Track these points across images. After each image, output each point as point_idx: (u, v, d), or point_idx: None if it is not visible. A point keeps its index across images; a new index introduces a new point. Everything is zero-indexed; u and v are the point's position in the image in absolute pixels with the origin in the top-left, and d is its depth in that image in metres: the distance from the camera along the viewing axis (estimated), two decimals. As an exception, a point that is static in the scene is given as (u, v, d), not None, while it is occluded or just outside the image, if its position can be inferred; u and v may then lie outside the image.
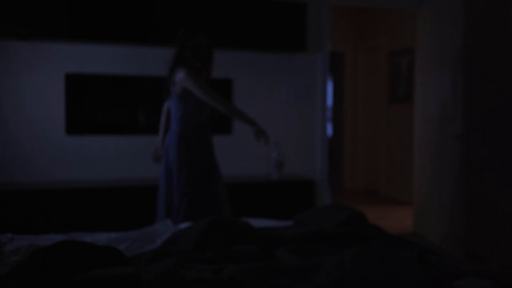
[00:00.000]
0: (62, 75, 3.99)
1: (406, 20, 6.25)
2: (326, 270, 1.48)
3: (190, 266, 1.57)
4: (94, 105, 4.14)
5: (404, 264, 1.39)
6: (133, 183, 3.94)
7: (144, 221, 3.34)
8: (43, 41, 3.86)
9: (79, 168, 4.06)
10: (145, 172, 4.09)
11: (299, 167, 4.57)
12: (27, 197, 3.63)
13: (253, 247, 1.79)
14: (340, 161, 7.56)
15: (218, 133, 4.14)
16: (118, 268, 1.42)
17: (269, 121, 4.12)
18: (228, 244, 1.88)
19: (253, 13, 4.15)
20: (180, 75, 2.95)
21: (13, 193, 3.61)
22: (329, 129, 7.29)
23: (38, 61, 3.94)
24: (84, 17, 3.74)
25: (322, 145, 4.63)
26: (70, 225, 3.62)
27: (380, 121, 7.08)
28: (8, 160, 3.91)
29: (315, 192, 4.41)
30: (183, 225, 2.46)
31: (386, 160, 6.90)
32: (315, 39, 4.55)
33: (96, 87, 4.11)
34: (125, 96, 4.22)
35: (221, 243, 1.87)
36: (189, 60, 3.02)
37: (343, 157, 7.51)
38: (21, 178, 3.93)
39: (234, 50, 4.31)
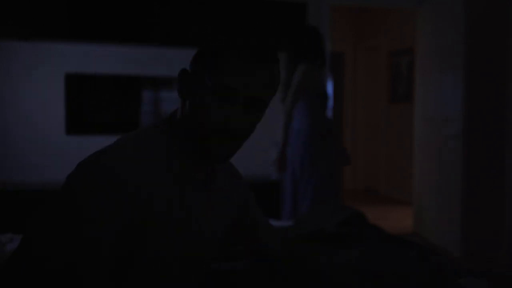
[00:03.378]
0: (62, 75, 3.99)
1: (406, 20, 6.25)
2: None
3: None
4: (94, 105, 4.14)
5: (408, 261, 1.40)
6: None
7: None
8: (43, 41, 3.87)
9: (79, 168, 4.06)
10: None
11: (299, 167, 4.56)
12: (27, 197, 3.63)
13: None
14: (340, 161, 7.54)
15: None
16: None
17: (269, 120, 4.11)
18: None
19: (253, 13, 4.15)
20: None
21: (13, 193, 3.61)
22: (329, 129, 7.28)
23: (38, 61, 3.94)
24: (84, 17, 3.74)
25: (322, 145, 4.62)
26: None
27: (380, 121, 7.08)
28: (8, 160, 3.91)
29: (315, 192, 4.40)
30: None
31: (386, 160, 6.90)
32: (315, 39, 4.54)
33: (96, 87, 4.12)
34: (125, 96, 4.23)
35: None
36: None
37: (343, 157, 7.50)
38: (21, 178, 3.93)
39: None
